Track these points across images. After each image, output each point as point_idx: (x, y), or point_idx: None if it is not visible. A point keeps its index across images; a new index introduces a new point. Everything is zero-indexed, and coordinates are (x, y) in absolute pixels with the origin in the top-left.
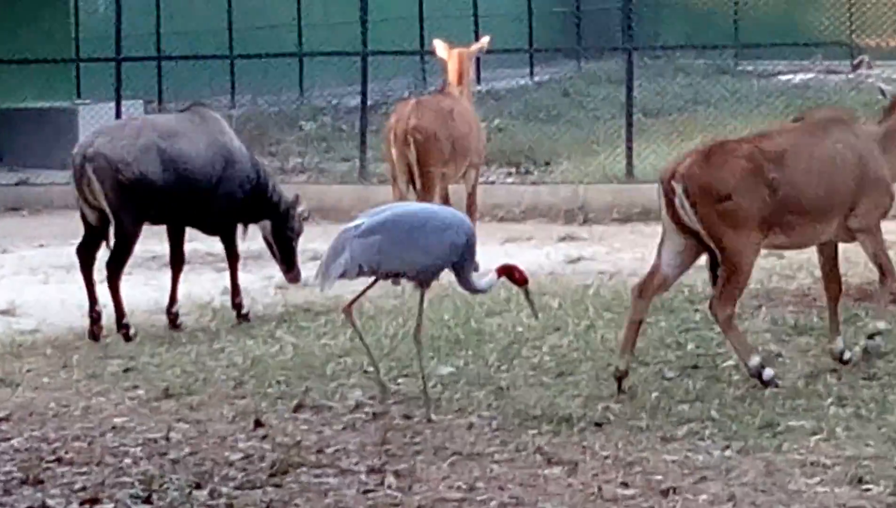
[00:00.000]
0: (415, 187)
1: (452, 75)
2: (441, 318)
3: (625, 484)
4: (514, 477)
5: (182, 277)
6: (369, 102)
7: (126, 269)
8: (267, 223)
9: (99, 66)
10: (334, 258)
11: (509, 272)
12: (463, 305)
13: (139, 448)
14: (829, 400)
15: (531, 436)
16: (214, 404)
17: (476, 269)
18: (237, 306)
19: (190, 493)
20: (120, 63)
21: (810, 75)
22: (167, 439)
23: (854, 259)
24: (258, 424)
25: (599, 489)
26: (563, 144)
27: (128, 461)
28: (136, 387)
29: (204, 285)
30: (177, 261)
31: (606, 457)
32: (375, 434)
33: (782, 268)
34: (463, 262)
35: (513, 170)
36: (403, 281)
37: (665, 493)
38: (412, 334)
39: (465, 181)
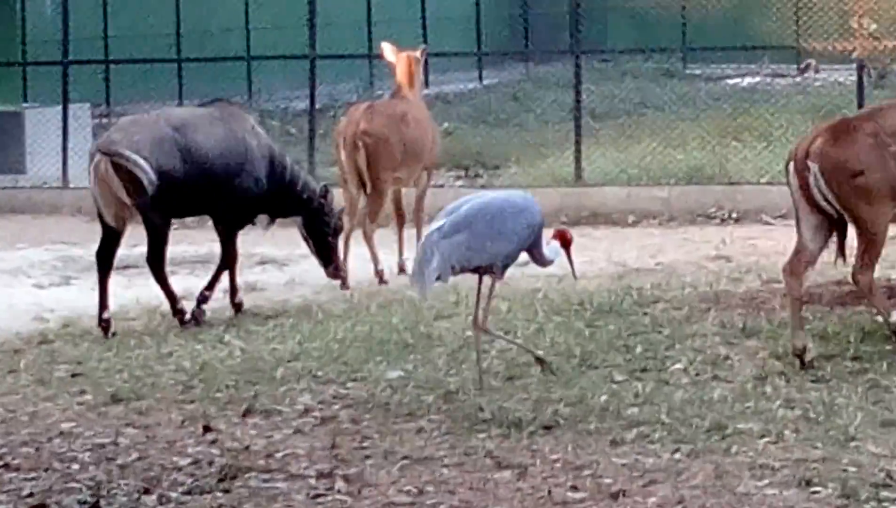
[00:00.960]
0: (365, 191)
1: (402, 78)
2: (390, 322)
3: (574, 488)
4: (464, 481)
5: (133, 281)
6: (317, 106)
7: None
8: (299, 219)
9: (46, 69)
10: (426, 265)
11: (563, 236)
12: (412, 309)
13: (87, 454)
14: (778, 403)
15: (480, 440)
16: (163, 409)
17: None
18: (237, 305)
19: (138, 498)
20: (67, 66)
21: (757, 79)
22: (115, 444)
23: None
24: (207, 429)
25: (549, 492)
26: (511, 147)
27: (76, 466)
28: (83, 392)
29: (152, 289)
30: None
31: (556, 461)
32: (325, 439)
33: (731, 272)
34: (538, 240)
35: (462, 173)
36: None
37: (614, 496)
38: (472, 322)
39: (417, 185)
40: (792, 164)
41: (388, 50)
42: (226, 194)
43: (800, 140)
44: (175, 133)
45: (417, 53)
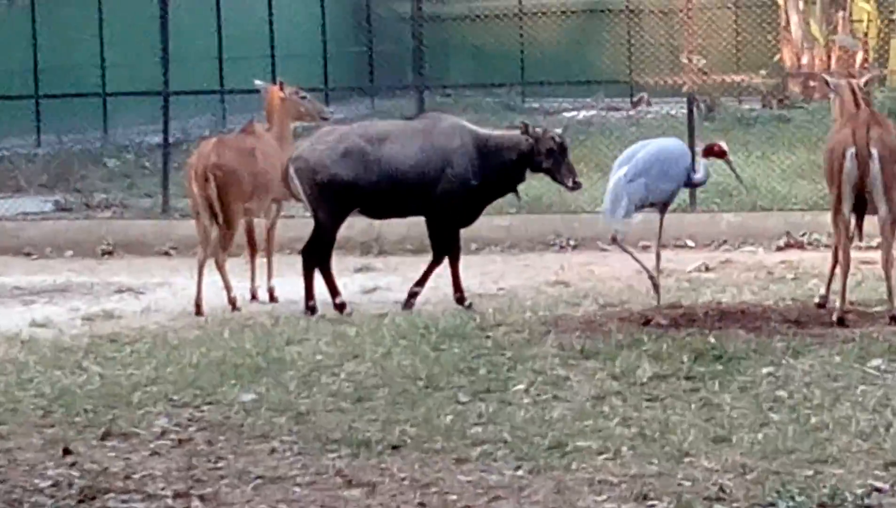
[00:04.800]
0: (217, 222)
1: (266, 113)
2: (243, 347)
3: (421, 505)
4: (316, 499)
5: None
6: (171, 140)
7: None
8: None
9: None
10: (617, 203)
11: (710, 150)
12: (264, 334)
13: None
14: (615, 421)
15: (331, 459)
16: (23, 433)
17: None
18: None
19: None
20: None
21: (593, 112)
22: None
23: (636, 286)
24: (66, 452)
25: None
26: None
27: None
28: None
29: (12, 317)
30: (451, 254)
31: (403, 479)
32: (181, 460)
33: (569, 296)
34: (693, 175)
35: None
36: None
37: None
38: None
39: (267, 215)
40: (852, 150)
41: (260, 85)
42: (427, 197)
43: (845, 133)
44: (366, 145)
45: (278, 89)
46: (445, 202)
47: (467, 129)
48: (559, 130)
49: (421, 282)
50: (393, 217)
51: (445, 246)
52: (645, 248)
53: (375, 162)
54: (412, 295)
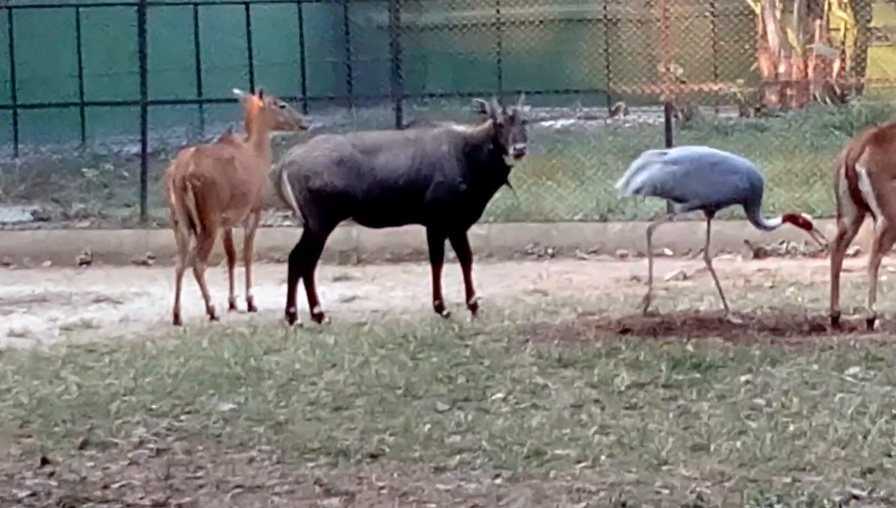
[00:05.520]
0: (195, 232)
1: (245, 122)
2: (221, 357)
3: None
4: None
5: None
6: (149, 150)
7: None
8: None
9: None
10: (637, 173)
11: (794, 219)
12: (242, 343)
13: None
14: (593, 429)
15: (310, 468)
16: (1, 443)
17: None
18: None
19: None
20: None
21: (571, 121)
22: None
23: (613, 295)
24: (45, 462)
25: None
26: None
27: None
28: None
29: None
30: (463, 258)
31: (382, 487)
32: (159, 470)
33: (547, 305)
34: (751, 203)
35: (289, 214)
36: None
37: None
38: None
39: (245, 224)
40: (839, 169)
41: (239, 95)
42: (417, 204)
43: (847, 150)
44: (359, 154)
45: (257, 98)
46: (438, 209)
47: (454, 132)
48: (519, 106)
49: (469, 292)
50: (387, 226)
51: (460, 250)
52: (623, 256)
53: (368, 171)
54: (473, 307)
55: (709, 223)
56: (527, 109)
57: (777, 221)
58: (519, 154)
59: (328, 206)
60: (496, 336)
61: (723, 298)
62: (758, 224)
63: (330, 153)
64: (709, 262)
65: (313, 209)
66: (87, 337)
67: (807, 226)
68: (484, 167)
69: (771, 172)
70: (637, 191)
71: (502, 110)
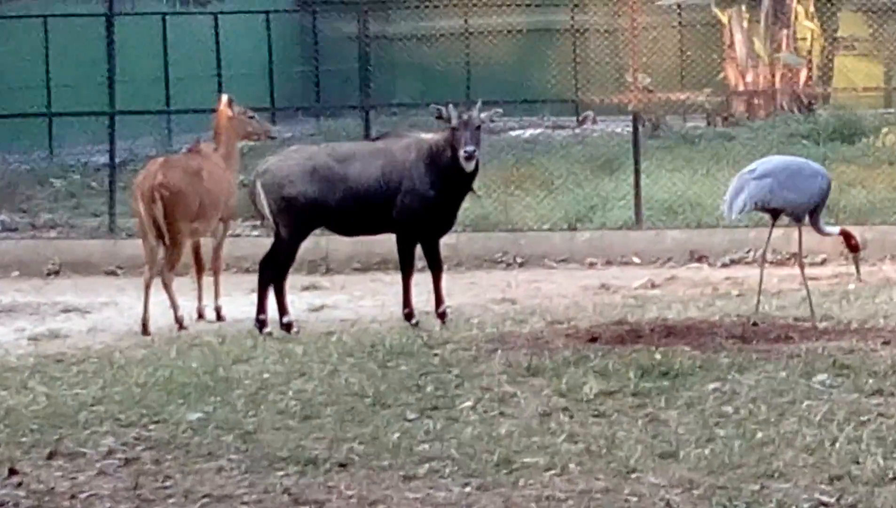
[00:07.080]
0: (164, 242)
1: (214, 132)
2: (190, 366)
3: None
4: None
5: None
6: (117, 160)
7: None
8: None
9: None
10: (736, 196)
11: (848, 236)
12: (211, 353)
13: None
14: (562, 438)
15: (279, 478)
16: None
17: None
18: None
19: None
20: None
21: (539, 130)
22: None
23: (582, 303)
24: (12, 472)
25: None
26: None
27: None
28: None
29: None
30: (434, 267)
31: (351, 496)
32: (128, 480)
33: (516, 314)
34: (821, 206)
35: (257, 223)
36: None
37: None
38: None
39: (214, 234)
40: None
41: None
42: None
43: None
44: (334, 163)
45: (224, 107)
46: (408, 217)
47: (421, 141)
48: (474, 112)
49: (438, 300)
50: (360, 235)
51: (432, 259)
52: (591, 265)
53: (341, 181)
54: (442, 316)
55: (800, 230)
56: (484, 115)
57: (835, 230)
58: (469, 156)
59: (302, 214)
60: (465, 345)
61: (811, 305)
62: (819, 228)
63: (304, 162)
64: (802, 267)
65: (287, 218)
66: (56, 347)
67: (855, 249)
68: (445, 173)
69: None
70: (741, 211)
71: (458, 115)
